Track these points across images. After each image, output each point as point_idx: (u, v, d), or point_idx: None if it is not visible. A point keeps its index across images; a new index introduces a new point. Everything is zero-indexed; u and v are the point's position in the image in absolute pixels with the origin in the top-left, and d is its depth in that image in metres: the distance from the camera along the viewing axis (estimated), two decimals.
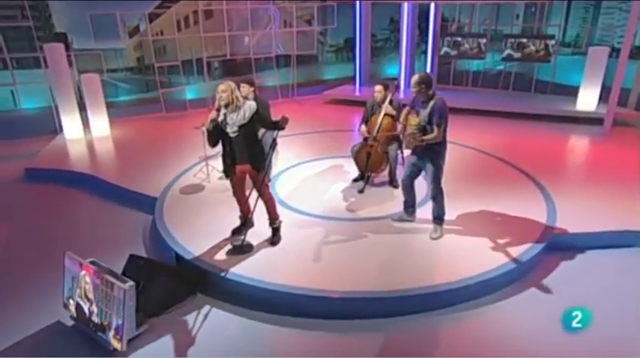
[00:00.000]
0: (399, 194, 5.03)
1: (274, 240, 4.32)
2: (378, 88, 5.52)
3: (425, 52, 10.52)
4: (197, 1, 9.52)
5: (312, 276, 3.89)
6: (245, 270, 3.96)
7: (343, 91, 10.50)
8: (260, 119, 3.98)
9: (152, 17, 10.03)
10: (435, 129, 4.24)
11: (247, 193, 4.28)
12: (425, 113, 4.28)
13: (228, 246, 4.30)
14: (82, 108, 7.97)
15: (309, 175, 6.07)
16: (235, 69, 10.56)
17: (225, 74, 10.94)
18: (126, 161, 6.73)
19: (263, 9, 10.37)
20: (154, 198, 5.35)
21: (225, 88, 3.84)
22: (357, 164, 5.76)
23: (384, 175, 5.75)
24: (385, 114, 5.54)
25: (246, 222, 4.36)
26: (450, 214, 4.63)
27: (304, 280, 3.83)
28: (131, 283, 3.24)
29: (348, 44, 12.74)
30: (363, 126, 5.67)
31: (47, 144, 7.45)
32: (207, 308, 3.81)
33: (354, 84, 11.03)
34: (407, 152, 4.61)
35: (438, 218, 4.63)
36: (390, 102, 5.59)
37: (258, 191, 4.06)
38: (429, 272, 3.97)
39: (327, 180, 5.74)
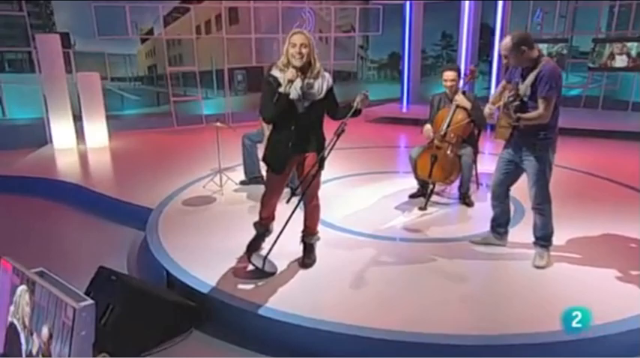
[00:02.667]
0: (475, 214, 4.58)
1: (307, 260, 3.61)
2: (449, 74, 4.67)
3: (490, 61, 9.66)
4: (221, 0, 9.00)
5: (360, 311, 3.06)
6: (266, 300, 3.16)
7: (388, 109, 9.87)
8: (334, 98, 3.41)
9: (168, 21, 9.52)
10: (541, 104, 3.23)
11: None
12: (527, 84, 3.27)
13: (244, 268, 3.60)
14: (79, 119, 7.80)
15: (352, 190, 5.46)
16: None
17: (250, 89, 10.32)
18: (122, 173, 6.44)
19: (296, 9, 9.76)
20: (148, 209, 4.82)
21: (304, 39, 3.19)
22: (418, 173, 4.79)
23: (452, 189, 5.12)
24: (458, 107, 4.54)
25: (266, 232, 3.74)
26: (558, 238, 3.72)
27: (349, 315, 2.97)
28: (89, 302, 2.29)
29: (394, 60, 12.06)
30: (428, 125, 4.70)
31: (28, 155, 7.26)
32: (204, 350, 3.02)
33: (401, 103, 10.24)
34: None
35: (543, 238, 3.56)
36: (464, 93, 4.61)
37: (305, 193, 3.40)
38: (540, 313, 3.00)
39: (375, 196, 5.16)
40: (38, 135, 8.12)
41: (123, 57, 9.64)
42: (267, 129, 5.30)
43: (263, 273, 3.37)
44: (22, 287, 2.62)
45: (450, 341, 2.78)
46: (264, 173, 5.06)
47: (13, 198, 5.93)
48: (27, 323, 2.60)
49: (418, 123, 8.97)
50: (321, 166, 3.28)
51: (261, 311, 3.01)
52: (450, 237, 4.18)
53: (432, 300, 3.20)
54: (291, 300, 3.11)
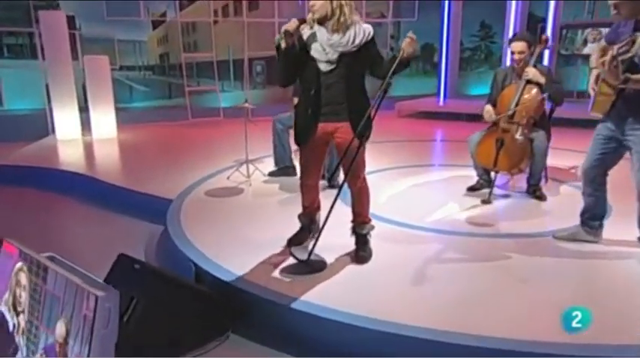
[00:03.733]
0: (551, 208, 4.25)
1: (362, 253, 3.30)
2: (518, 45, 4.29)
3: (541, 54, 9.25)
4: None
5: (428, 313, 2.72)
6: (315, 297, 2.84)
7: (424, 103, 9.50)
8: (376, 52, 3.07)
9: (183, 5, 9.27)
10: None
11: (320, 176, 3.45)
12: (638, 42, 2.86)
13: (285, 262, 3.25)
14: (84, 110, 7.68)
15: (398, 183, 5.17)
16: None
17: (270, 81, 10.03)
18: (133, 164, 6.32)
19: None
20: (167, 200, 4.61)
21: None
22: (479, 161, 4.39)
23: (520, 181, 4.74)
24: (528, 83, 4.14)
25: (311, 225, 3.47)
26: None
27: (414, 317, 2.64)
28: (112, 290, 1.92)
29: (427, 52, 11.68)
30: (488, 106, 4.32)
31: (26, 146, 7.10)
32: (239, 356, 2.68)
33: (438, 97, 9.89)
34: None
35: None
36: (535, 66, 4.26)
37: (348, 173, 3.10)
38: None
39: (425, 189, 4.97)
40: (39, 127, 7.95)
41: (132, 43, 9.40)
42: None
43: (309, 268, 3.09)
44: (18, 265, 2.24)
45: (541, 350, 2.39)
46: (296, 163, 4.90)
47: (10, 189, 5.72)
48: (25, 314, 2.21)
49: (459, 118, 8.73)
50: (360, 138, 2.94)
51: (311, 310, 2.70)
52: (527, 232, 3.79)
53: (512, 302, 2.83)
54: (345, 299, 2.81)
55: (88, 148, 7.09)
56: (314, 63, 3.02)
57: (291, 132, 5.04)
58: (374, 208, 3.54)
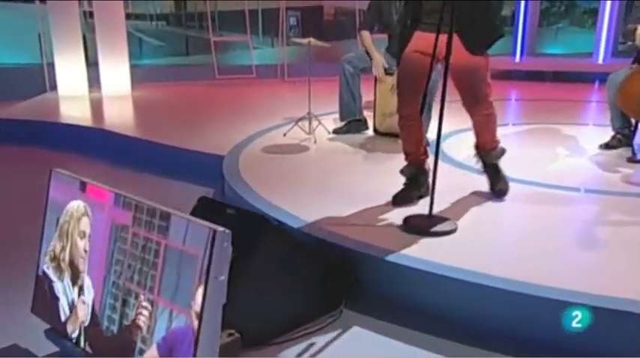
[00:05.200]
0: None
1: (501, 185, 3.30)
2: None
3: None
4: None
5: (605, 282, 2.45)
6: (448, 260, 2.61)
7: (496, 61, 9.00)
8: None
9: None
10: None
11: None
12: None
13: (393, 221, 3.05)
14: (90, 64, 7.53)
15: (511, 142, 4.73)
16: (325, 28, 9.17)
17: (306, 36, 9.64)
18: (156, 121, 6.14)
19: None
20: (215, 157, 4.41)
21: None
22: (625, 105, 3.94)
23: None
24: None
25: (420, 176, 3.29)
26: None
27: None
28: (226, 231, 1.67)
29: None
30: None
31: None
32: (361, 335, 2.48)
33: (513, 55, 9.54)
34: None
35: None
36: None
37: (470, 100, 3.06)
38: None
39: (549, 147, 4.71)
40: (34, 83, 7.67)
41: None
42: (374, 49, 4.79)
43: (435, 231, 2.90)
44: (75, 204, 1.97)
45: None
46: (367, 117, 5.00)
47: (8, 148, 5.50)
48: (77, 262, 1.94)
49: (539, 77, 8.37)
50: (475, 50, 2.88)
51: (445, 272, 2.49)
52: None
53: None
54: (485, 264, 2.56)
55: (99, 105, 6.95)
56: None
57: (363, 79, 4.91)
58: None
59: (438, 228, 2.87)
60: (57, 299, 2.02)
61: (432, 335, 2.41)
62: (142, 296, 1.76)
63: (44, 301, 2.07)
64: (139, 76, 8.04)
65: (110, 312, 1.85)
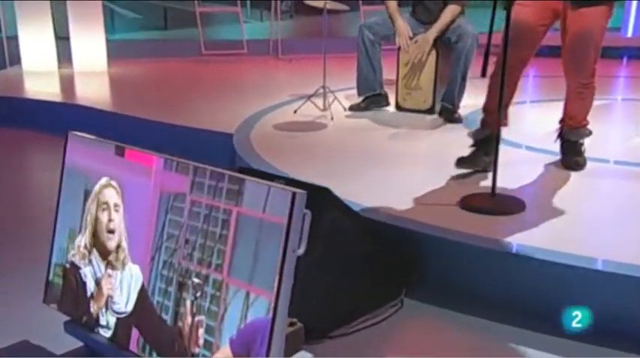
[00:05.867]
0: None
1: (577, 158, 3.36)
2: None
3: None
4: None
5: None
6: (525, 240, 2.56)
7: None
8: None
9: None
10: None
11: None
12: None
13: (449, 201, 2.99)
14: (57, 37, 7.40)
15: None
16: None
17: (299, 11, 9.59)
18: (146, 96, 6.14)
19: None
20: (216, 134, 4.42)
21: None
22: None
23: None
24: None
25: (493, 135, 3.16)
26: None
27: None
28: (303, 193, 1.53)
29: None
30: None
31: None
32: (426, 326, 2.47)
33: (624, 29, 9.41)
34: None
35: None
36: None
37: (569, 62, 3.12)
38: None
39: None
40: None
41: None
42: (398, 15, 4.70)
43: (497, 208, 2.85)
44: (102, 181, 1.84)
45: None
46: (388, 92, 4.92)
47: None
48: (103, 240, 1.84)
49: None
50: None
51: (520, 250, 2.45)
52: None
53: None
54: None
55: (71, 81, 6.84)
56: None
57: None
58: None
59: (505, 207, 2.81)
60: (84, 284, 1.85)
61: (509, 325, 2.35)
62: (204, 277, 1.58)
63: (68, 291, 1.90)
64: (112, 50, 7.84)
65: (161, 298, 1.68)
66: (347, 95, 5.14)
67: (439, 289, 2.56)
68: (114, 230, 1.80)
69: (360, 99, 4.93)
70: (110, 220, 1.80)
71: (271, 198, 1.49)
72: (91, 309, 1.82)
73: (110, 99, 6.17)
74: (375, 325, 2.35)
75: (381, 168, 3.60)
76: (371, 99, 4.91)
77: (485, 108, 3.28)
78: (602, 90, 5.89)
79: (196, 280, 1.62)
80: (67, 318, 2.02)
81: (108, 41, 7.72)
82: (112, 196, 1.82)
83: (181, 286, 1.65)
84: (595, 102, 3.39)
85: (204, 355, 1.58)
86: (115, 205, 1.81)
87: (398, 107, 4.89)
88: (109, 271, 1.78)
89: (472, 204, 2.82)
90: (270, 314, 1.48)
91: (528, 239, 2.52)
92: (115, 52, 7.90)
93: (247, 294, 1.51)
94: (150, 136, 4.70)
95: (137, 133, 4.76)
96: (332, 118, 4.66)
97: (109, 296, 1.79)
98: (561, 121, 3.36)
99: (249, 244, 1.52)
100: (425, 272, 2.58)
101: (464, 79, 4.45)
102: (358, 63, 4.88)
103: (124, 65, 7.73)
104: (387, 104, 4.94)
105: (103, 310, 1.81)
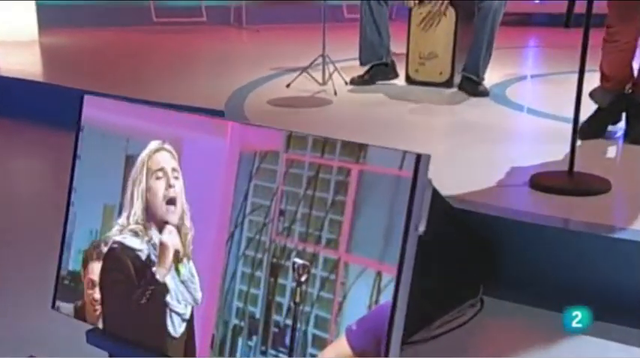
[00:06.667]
0: None
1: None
2: None
3: None
4: None
5: None
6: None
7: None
8: None
9: None
10: None
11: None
12: None
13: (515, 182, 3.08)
14: None
15: None
16: None
17: None
18: (94, 68, 6.11)
19: None
20: (208, 111, 4.20)
21: None
22: None
23: None
24: None
25: (619, 98, 3.53)
26: None
27: None
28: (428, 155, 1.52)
29: None
30: None
31: None
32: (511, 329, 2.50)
33: None
34: None
35: None
36: None
37: None
38: None
39: None
40: None
41: None
42: None
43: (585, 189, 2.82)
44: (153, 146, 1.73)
45: None
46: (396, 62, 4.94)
47: None
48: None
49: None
50: None
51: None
52: None
53: None
54: None
55: None
56: None
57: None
58: None
59: (587, 186, 2.81)
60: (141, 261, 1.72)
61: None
62: (310, 257, 1.46)
63: (113, 275, 1.76)
64: (45, 18, 7.86)
65: (245, 285, 1.54)
66: (342, 68, 5.09)
67: (519, 283, 2.55)
68: (174, 199, 1.66)
69: (364, 70, 4.88)
70: (169, 187, 1.67)
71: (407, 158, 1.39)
72: (157, 276, 1.68)
73: (45, 72, 6.19)
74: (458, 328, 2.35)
75: (412, 147, 3.56)
76: (376, 69, 4.86)
77: (603, 74, 3.44)
78: None
79: (299, 261, 1.49)
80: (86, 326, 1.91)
81: (38, 6, 7.68)
82: (167, 161, 1.69)
83: (275, 269, 1.51)
84: None
85: (312, 355, 1.46)
86: (174, 170, 1.68)
87: (409, 80, 4.85)
88: (170, 228, 1.66)
89: (548, 183, 2.80)
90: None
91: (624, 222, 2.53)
92: (48, 18, 7.82)
93: (378, 275, 1.39)
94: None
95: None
96: (335, 93, 4.60)
97: (177, 251, 1.66)
98: (634, 85, 3.44)
99: (377, 210, 1.40)
100: (504, 264, 2.58)
101: (490, 43, 4.43)
102: (361, 27, 4.84)
103: (59, 34, 7.76)
104: (396, 76, 4.91)
105: (173, 272, 1.67)
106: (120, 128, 1.81)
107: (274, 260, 1.53)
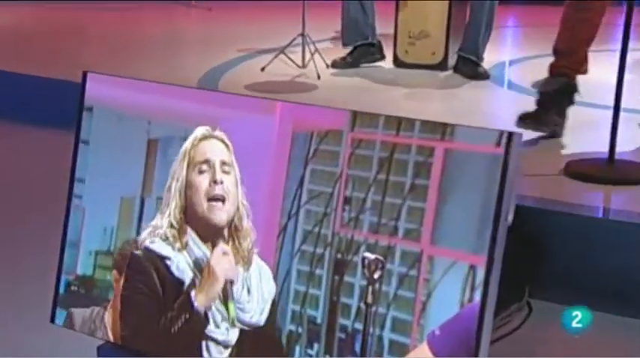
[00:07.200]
0: None
1: None
2: None
3: None
4: None
5: None
6: None
7: None
8: None
9: None
10: None
11: None
12: None
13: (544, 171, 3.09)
14: None
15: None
16: None
17: None
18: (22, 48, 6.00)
19: None
20: None
21: None
22: None
23: None
24: None
25: (568, 86, 3.44)
26: None
27: None
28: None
29: None
30: None
31: None
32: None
33: None
34: None
35: None
36: None
37: None
38: None
39: None
40: None
41: None
42: None
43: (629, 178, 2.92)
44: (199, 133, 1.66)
45: None
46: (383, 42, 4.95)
47: None
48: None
49: None
50: None
51: None
52: None
53: None
54: None
55: None
56: None
57: None
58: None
59: (630, 174, 2.89)
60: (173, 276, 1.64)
61: None
62: (385, 250, 1.42)
63: (134, 288, 1.68)
64: None
65: (303, 286, 1.49)
66: (320, 49, 5.08)
67: (566, 283, 2.57)
68: (222, 197, 1.59)
69: (347, 51, 4.88)
70: (214, 183, 1.60)
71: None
72: (195, 304, 1.60)
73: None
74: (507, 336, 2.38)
75: None
76: (361, 50, 4.86)
77: (555, 50, 3.31)
78: None
79: (369, 255, 1.44)
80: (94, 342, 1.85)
81: None
82: (215, 151, 1.62)
83: (340, 266, 1.47)
84: None
85: None
86: (223, 163, 1.60)
87: (397, 62, 4.84)
88: (223, 247, 1.58)
89: (587, 172, 2.86)
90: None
91: None
92: None
93: (472, 269, 1.34)
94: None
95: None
96: (318, 76, 4.60)
97: (229, 282, 1.58)
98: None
99: (468, 195, 1.36)
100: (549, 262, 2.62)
101: (491, 20, 4.43)
102: (343, 3, 4.84)
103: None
104: (383, 57, 4.89)
105: (218, 304, 1.60)
106: (139, 108, 1.74)
107: (339, 255, 1.49)
